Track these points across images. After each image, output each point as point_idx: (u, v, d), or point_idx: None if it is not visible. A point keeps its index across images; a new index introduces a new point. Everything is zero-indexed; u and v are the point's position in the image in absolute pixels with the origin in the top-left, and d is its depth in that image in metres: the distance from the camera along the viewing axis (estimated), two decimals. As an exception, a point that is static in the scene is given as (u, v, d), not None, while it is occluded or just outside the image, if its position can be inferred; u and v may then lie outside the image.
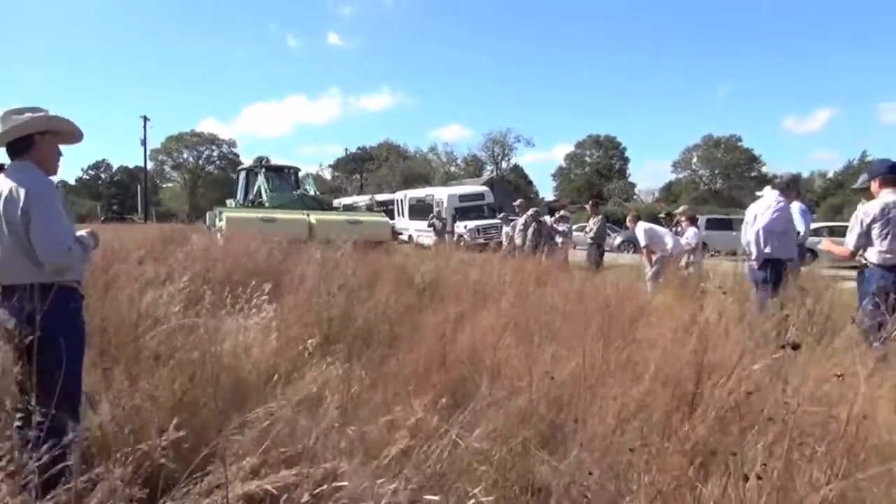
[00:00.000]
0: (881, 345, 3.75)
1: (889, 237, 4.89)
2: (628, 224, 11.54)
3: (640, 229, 10.26)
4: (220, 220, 13.45)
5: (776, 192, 6.30)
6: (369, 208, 20.36)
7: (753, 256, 6.07)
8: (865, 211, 5.04)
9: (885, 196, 5.02)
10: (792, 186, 6.68)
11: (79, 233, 2.95)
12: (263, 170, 17.01)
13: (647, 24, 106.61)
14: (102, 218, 33.40)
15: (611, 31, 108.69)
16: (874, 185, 5.18)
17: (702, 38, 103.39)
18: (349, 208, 20.18)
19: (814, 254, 12.14)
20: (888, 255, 4.90)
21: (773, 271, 5.87)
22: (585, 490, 2.44)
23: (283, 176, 17.90)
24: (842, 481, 2.10)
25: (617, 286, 7.27)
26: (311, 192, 16.92)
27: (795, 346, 2.56)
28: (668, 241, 10.09)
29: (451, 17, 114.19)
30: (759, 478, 2.08)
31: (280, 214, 13.48)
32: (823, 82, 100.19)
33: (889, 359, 3.54)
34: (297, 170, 18.74)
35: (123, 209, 64.29)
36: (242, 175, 18.69)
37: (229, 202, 18.97)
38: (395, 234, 20.69)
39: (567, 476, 2.55)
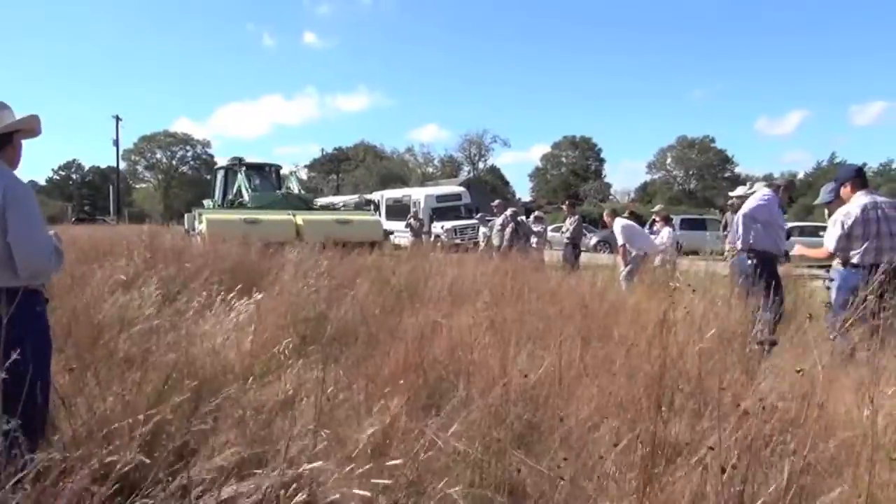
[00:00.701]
0: (843, 339, 3.84)
1: (869, 237, 5.00)
2: (605, 219, 11.28)
3: (618, 226, 10.09)
4: (200, 222, 12.61)
5: (768, 189, 6.25)
6: (358, 207, 18.04)
7: (739, 246, 6.04)
8: (846, 213, 5.12)
9: (860, 198, 5.14)
10: (787, 188, 6.72)
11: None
12: (243, 168, 15.91)
13: (623, 26, 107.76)
14: (73, 219, 32.83)
15: (588, 33, 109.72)
16: (846, 190, 5.29)
17: (678, 40, 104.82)
18: (325, 208, 18.58)
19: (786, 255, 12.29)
20: (866, 255, 5.01)
21: (761, 266, 5.79)
22: (560, 488, 2.46)
23: (263, 174, 16.86)
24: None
25: (593, 286, 7.34)
26: (296, 191, 15.93)
27: (773, 343, 2.61)
28: (644, 239, 10.14)
29: (429, 17, 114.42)
30: (733, 468, 2.12)
31: (264, 215, 12.66)
32: (797, 85, 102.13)
33: (855, 355, 3.63)
34: (278, 168, 17.81)
35: (95, 210, 63.37)
36: (220, 174, 17.58)
37: (206, 203, 17.86)
38: (388, 233, 19.36)
39: (543, 475, 2.58)
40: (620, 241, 10.04)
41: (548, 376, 3.52)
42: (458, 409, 3.14)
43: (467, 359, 3.77)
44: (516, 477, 2.69)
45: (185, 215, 16.63)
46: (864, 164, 67.38)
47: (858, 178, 5.26)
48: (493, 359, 3.76)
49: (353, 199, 20.81)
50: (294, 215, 12.75)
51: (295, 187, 16.24)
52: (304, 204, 14.99)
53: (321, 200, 24.27)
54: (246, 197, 15.07)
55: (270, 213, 12.96)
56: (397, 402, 3.20)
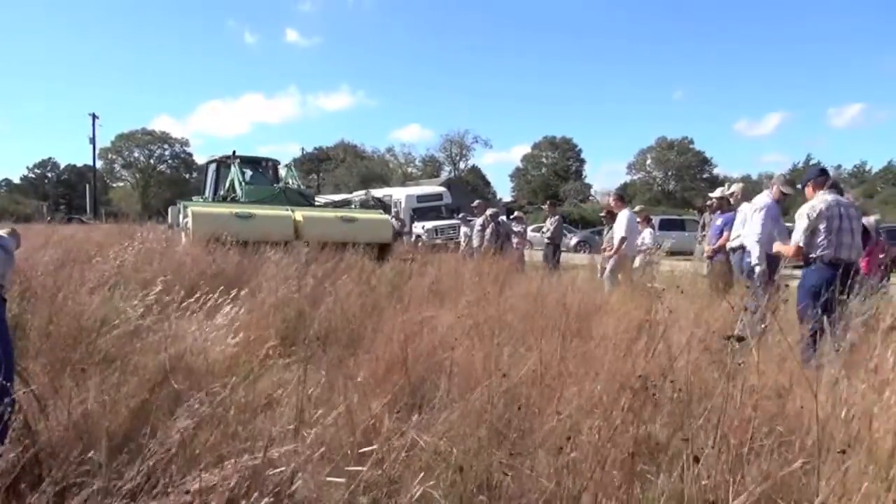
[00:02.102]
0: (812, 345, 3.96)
1: (832, 233, 5.13)
2: (611, 202, 11.04)
3: (625, 216, 9.87)
4: (186, 216, 10.97)
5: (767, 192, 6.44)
6: (365, 205, 15.23)
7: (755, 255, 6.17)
8: (812, 207, 5.25)
9: (824, 195, 5.28)
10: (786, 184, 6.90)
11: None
12: (238, 161, 14.05)
13: (605, 28, 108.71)
14: (49, 218, 32.24)
15: (570, 36, 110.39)
16: (808, 190, 5.46)
17: (660, 42, 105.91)
18: (326, 206, 15.42)
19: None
20: (827, 251, 5.14)
21: (769, 265, 6.00)
22: (540, 487, 2.48)
23: (260, 169, 15.12)
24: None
25: (573, 286, 7.38)
26: (295, 186, 14.14)
27: (740, 339, 2.64)
28: (634, 241, 10.09)
29: (412, 17, 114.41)
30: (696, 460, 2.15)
31: (259, 210, 11.12)
32: (776, 87, 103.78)
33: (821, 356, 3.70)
34: (275, 163, 16.01)
35: (71, 209, 62.47)
36: (212, 167, 15.72)
37: (196, 199, 15.70)
38: (398, 235, 17.05)
39: (523, 474, 2.59)
40: (622, 233, 9.71)
41: (529, 376, 3.53)
42: (440, 409, 3.14)
43: (449, 358, 3.77)
44: (496, 476, 2.69)
45: (170, 208, 14.93)
46: (839, 166, 68.59)
47: (822, 177, 5.43)
48: (474, 358, 3.77)
49: (359, 195, 17.78)
50: (293, 211, 11.32)
51: (294, 181, 14.53)
52: (305, 200, 13.37)
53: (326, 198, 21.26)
54: (239, 192, 13.33)
55: (266, 209, 11.48)
56: (379, 402, 3.20)
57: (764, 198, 6.32)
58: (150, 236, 9.33)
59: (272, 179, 14.95)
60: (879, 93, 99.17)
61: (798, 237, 5.29)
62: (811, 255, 5.21)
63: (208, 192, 15.52)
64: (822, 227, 5.17)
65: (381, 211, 13.74)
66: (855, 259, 5.23)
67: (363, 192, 19.79)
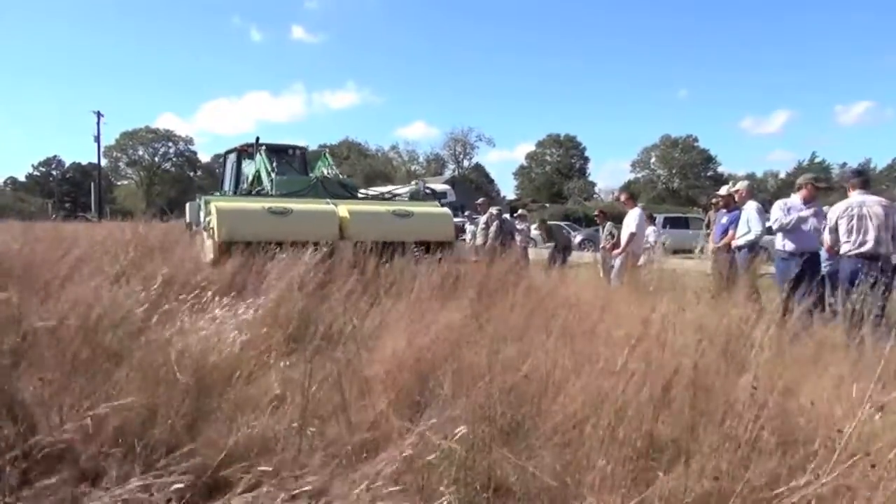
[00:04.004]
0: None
1: (853, 231, 5.69)
2: (623, 199, 11.04)
3: (636, 213, 9.88)
4: (209, 213, 8.80)
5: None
6: (415, 198, 12.35)
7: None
8: (833, 209, 5.92)
9: (853, 197, 5.86)
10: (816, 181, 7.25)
11: None
12: (263, 148, 11.98)
13: (610, 27, 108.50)
14: (53, 216, 32.34)
15: (575, 34, 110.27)
16: (849, 191, 6.00)
17: (664, 40, 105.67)
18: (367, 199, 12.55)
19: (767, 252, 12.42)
20: (851, 247, 5.69)
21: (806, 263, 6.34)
22: (544, 485, 2.48)
23: (286, 159, 12.86)
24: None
25: (578, 284, 7.37)
26: (333, 175, 11.99)
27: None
28: (643, 237, 10.08)
29: (419, 13, 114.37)
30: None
31: (296, 205, 9.12)
32: (783, 85, 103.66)
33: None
34: (303, 150, 13.97)
35: (76, 207, 62.73)
36: (232, 158, 13.69)
37: (216, 195, 12.99)
38: (460, 231, 14.60)
39: (528, 472, 2.59)
40: (632, 229, 9.71)
41: (533, 373, 3.53)
42: (444, 407, 3.14)
43: (456, 356, 3.77)
44: (501, 474, 2.69)
45: (188, 205, 12.72)
46: (844, 164, 68.48)
47: (854, 179, 6.02)
48: (478, 356, 3.77)
49: (407, 188, 14.99)
50: (336, 205, 9.42)
51: (331, 170, 12.39)
52: (347, 191, 11.08)
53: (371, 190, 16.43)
54: (267, 184, 11.28)
55: (303, 203, 9.54)
56: (384, 400, 3.20)
57: (794, 200, 6.71)
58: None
59: (301, 169, 12.97)
60: (886, 91, 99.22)
61: (825, 236, 5.99)
62: (839, 251, 5.81)
63: (228, 185, 13.67)
64: (841, 226, 5.76)
65: (438, 203, 11.51)
66: (883, 252, 5.66)
67: (413, 182, 16.95)
